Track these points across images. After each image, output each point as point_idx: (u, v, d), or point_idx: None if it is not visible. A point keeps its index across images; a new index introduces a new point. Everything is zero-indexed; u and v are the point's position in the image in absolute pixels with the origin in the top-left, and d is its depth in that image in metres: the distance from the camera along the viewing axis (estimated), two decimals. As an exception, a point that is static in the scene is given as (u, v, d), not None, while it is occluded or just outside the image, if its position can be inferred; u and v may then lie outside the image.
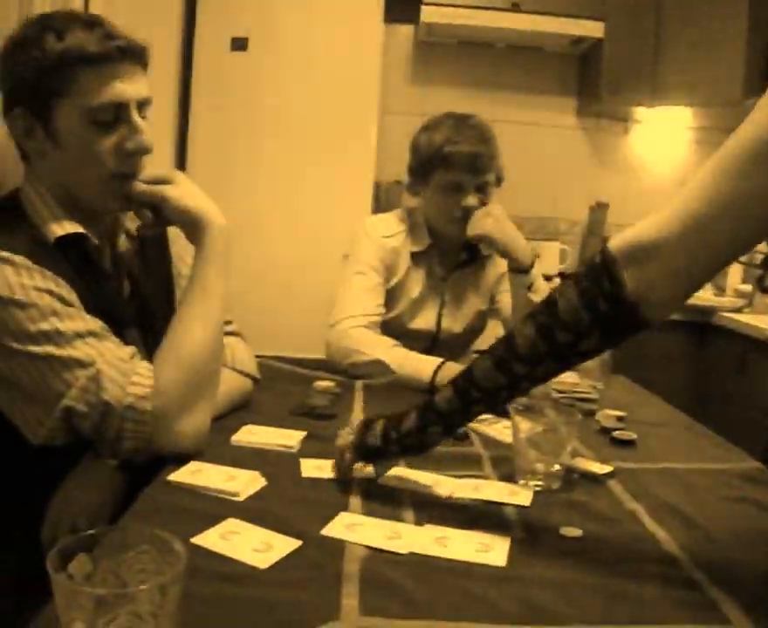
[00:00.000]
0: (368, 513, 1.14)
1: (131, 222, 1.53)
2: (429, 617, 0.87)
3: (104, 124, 1.33)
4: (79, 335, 1.26)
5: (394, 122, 3.48)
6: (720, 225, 0.97)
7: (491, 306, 2.32)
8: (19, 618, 0.82)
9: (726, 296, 3.52)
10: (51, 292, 1.26)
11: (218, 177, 3.25)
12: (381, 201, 3.57)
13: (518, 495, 1.25)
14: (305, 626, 0.82)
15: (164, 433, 1.28)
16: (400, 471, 1.32)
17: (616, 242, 1.05)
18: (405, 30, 3.93)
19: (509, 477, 1.32)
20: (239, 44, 3.24)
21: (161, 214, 1.43)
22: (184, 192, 1.43)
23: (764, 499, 1.30)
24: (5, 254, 1.25)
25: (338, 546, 1.03)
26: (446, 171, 2.08)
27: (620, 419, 1.68)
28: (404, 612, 0.87)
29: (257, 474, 1.25)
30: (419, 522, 1.12)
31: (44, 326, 1.24)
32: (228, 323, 1.67)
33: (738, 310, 3.29)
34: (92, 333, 1.28)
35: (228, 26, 3.24)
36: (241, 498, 1.17)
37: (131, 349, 1.32)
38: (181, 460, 1.29)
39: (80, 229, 1.38)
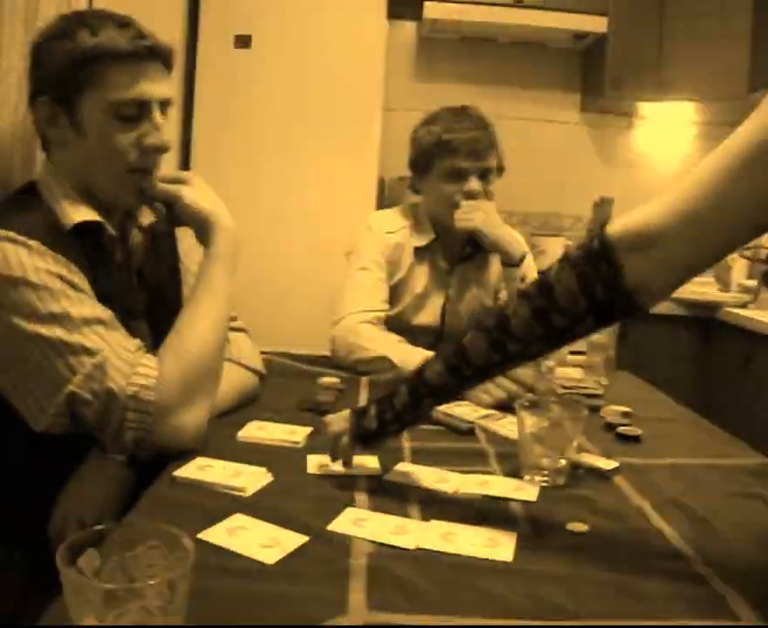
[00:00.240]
0: (375, 508, 1.15)
1: (143, 217, 1.55)
2: (436, 612, 0.87)
3: (127, 119, 1.37)
4: (88, 322, 1.27)
5: (398, 118, 3.47)
6: (718, 222, 0.98)
7: (496, 301, 2.32)
8: (28, 613, 0.82)
9: (731, 292, 3.51)
10: (62, 277, 1.28)
11: (222, 174, 3.25)
12: (385, 197, 3.57)
13: (524, 491, 1.25)
14: (312, 621, 0.82)
15: (165, 426, 1.29)
16: (406, 467, 1.32)
17: (616, 228, 1.05)
18: (408, 27, 3.92)
19: (514, 473, 1.32)
20: (243, 42, 3.23)
21: (173, 212, 1.47)
22: (198, 193, 1.47)
23: (770, 494, 1.30)
24: (21, 237, 1.27)
25: (344, 541, 1.03)
26: (447, 158, 2.09)
27: (625, 414, 1.69)
28: (411, 607, 0.87)
29: (263, 469, 1.25)
30: (425, 518, 1.12)
31: (55, 309, 1.25)
32: (233, 318, 1.68)
33: (743, 306, 3.29)
34: (100, 321, 1.29)
35: (231, 23, 3.23)
36: (247, 494, 1.17)
37: (137, 341, 1.33)
38: (183, 455, 1.29)
39: (98, 218, 1.40)
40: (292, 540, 1.02)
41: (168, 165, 1.52)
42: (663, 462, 1.45)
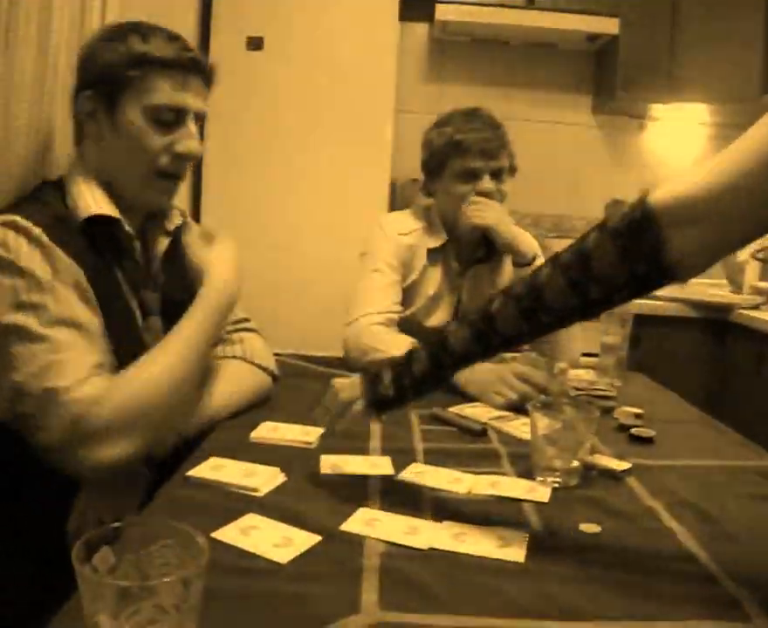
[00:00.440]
0: (387, 509, 1.15)
1: (170, 223, 1.59)
2: (448, 611, 0.87)
3: (163, 123, 1.43)
4: (64, 321, 1.28)
5: (410, 120, 3.47)
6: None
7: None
8: (43, 611, 0.82)
9: (743, 294, 3.50)
10: (56, 271, 1.29)
11: (233, 176, 3.27)
12: (397, 199, 3.57)
13: (537, 492, 1.25)
14: (324, 621, 0.83)
15: (86, 444, 1.24)
16: (419, 468, 1.32)
17: (659, 199, 0.99)
18: (420, 29, 3.93)
19: (527, 474, 1.32)
20: (255, 44, 3.24)
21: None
22: (199, 245, 1.53)
23: (783, 496, 1.29)
24: (26, 224, 1.29)
25: (357, 541, 1.04)
26: (459, 158, 2.09)
27: (638, 416, 1.68)
28: (423, 607, 0.88)
29: (276, 469, 1.26)
30: (438, 518, 1.12)
31: (36, 299, 1.26)
32: (245, 320, 1.70)
33: (756, 308, 3.27)
34: (76, 325, 1.29)
35: (243, 25, 3.24)
36: (260, 494, 1.18)
37: (101, 359, 1.31)
38: (197, 455, 1.31)
39: (114, 214, 1.43)
40: (305, 540, 1.02)
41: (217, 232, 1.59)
42: (676, 464, 1.44)
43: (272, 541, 1.01)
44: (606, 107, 3.94)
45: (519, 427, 1.57)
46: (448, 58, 3.97)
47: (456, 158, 2.10)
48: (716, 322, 3.30)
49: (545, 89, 4.00)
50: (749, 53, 3.46)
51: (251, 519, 1.07)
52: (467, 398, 1.77)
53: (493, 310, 1.11)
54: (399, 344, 1.94)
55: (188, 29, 3.21)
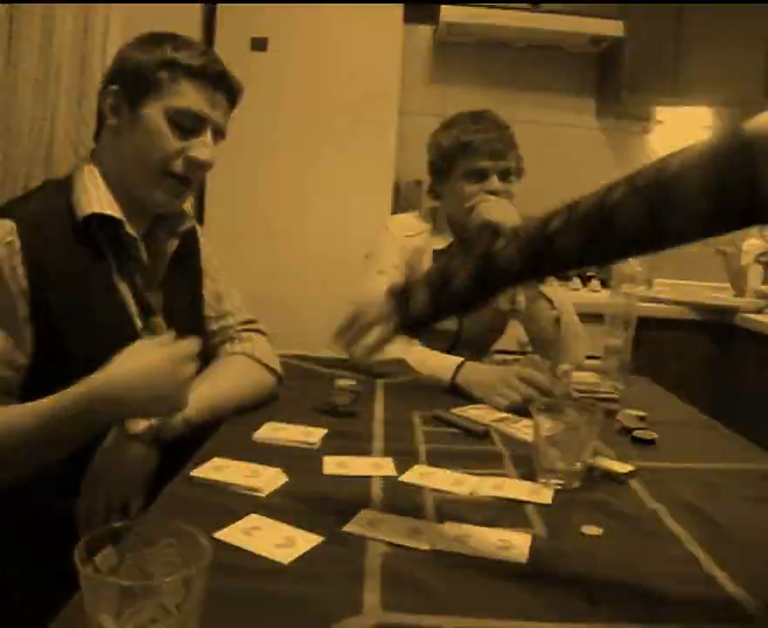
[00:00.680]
0: (390, 510, 1.15)
1: (178, 223, 1.59)
2: (450, 612, 0.87)
3: (182, 128, 1.45)
4: None
5: (414, 122, 3.48)
6: None
7: (513, 307, 2.31)
8: (45, 609, 0.82)
9: (747, 298, 3.50)
10: (13, 268, 1.31)
11: (237, 177, 3.27)
12: (401, 201, 3.57)
13: (539, 494, 1.25)
14: (326, 621, 0.83)
15: None
16: (421, 469, 1.32)
17: (760, 127, 0.91)
18: (424, 31, 3.93)
19: (530, 475, 1.32)
20: (259, 44, 3.25)
21: None
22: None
23: (785, 499, 1.29)
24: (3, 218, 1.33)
25: (359, 542, 1.03)
26: (468, 159, 2.10)
27: (641, 418, 1.68)
28: (425, 608, 0.88)
29: (279, 470, 1.26)
30: (440, 520, 1.12)
31: None
32: (251, 321, 1.73)
33: (759, 311, 3.27)
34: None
35: (248, 26, 3.25)
36: (263, 494, 1.18)
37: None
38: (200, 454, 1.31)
39: (116, 214, 1.44)
40: (308, 540, 1.02)
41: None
42: (678, 466, 1.44)
43: (275, 541, 1.01)
44: (611, 110, 3.94)
45: (522, 429, 1.57)
46: (452, 60, 3.97)
47: (464, 158, 2.10)
48: (719, 325, 3.30)
49: (549, 91, 4.00)
50: (753, 56, 3.46)
51: (254, 519, 1.07)
52: (470, 399, 1.77)
53: (551, 231, 1.03)
54: (403, 346, 1.95)
55: (192, 29, 3.21)
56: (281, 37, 3.25)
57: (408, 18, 3.38)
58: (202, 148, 1.47)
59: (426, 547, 1.03)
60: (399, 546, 1.03)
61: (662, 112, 3.90)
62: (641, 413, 1.70)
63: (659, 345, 3.15)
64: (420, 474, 1.30)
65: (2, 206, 1.41)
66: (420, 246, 2.18)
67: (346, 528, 1.07)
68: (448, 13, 3.51)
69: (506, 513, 1.18)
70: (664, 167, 0.97)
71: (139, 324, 1.47)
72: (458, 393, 1.81)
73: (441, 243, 2.19)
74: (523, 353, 2.01)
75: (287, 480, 1.24)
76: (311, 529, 1.05)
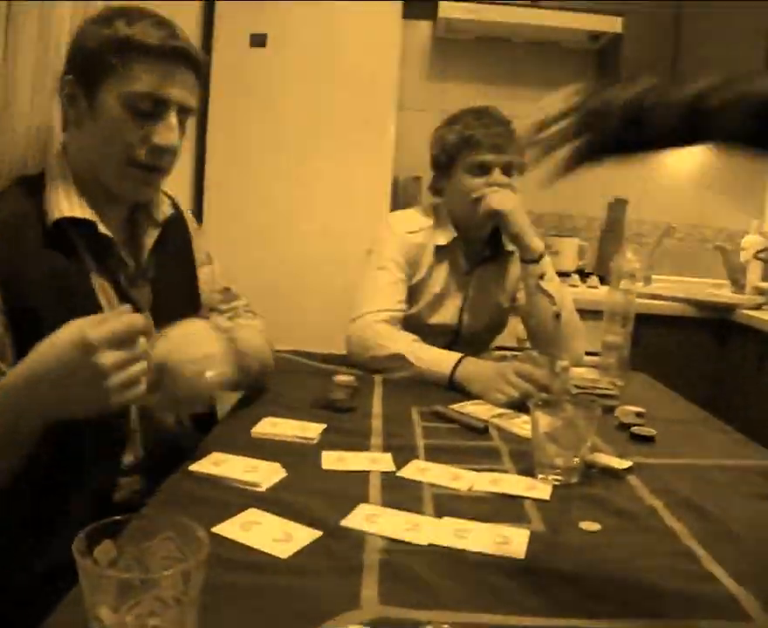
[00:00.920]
0: (388, 505, 1.15)
1: (159, 213, 1.53)
2: (448, 607, 0.87)
3: (140, 113, 1.35)
4: None
5: (412, 118, 3.48)
6: None
7: (513, 304, 2.32)
8: (44, 604, 0.82)
9: (745, 294, 3.50)
10: None
11: (236, 173, 3.27)
12: (399, 197, 3.57)
13: (537, 489, 1.25)
14: (324, 616, 0.83)
15: None
16: (420, 464, 1.33)
17: None
18: (423, 26, 3.93)
19: (528, 471, 1.32)
20: (258, 41, 3.24)
21: None
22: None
23: (783, 495, 1.29)
24: None
25: (357, 537, 1.04)
26: (471, 153, 2.10)
27: (639, 415, 1.68)
28: (423, 603, 0.88)
29: (277, 465, 1.26)
30: (438, 515, 1.13)
31: None
32: (244, 305, 1.80)
33: (758, 308, 3.28)
34: None
35: (247, 23, 3.24)
36: (262, 489, 1.18)
37: None
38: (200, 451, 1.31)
39: (87, 215, 1.37)
40: (306, 535, 1.02)
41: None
42: (677, 462, 1.45)
43: (273, 536, 1.01)
44: (609, 106, 3.93)
45: (521, 425, 1.57)
46: (450, 56, 3.97)
47: (467, 153, 2.10)
48: (718, 322, 3.30)
49: (548, 87, 3.88)
50: (752, 53, 3.45)
51: (252, 514, 1.07)
52: (468, 395, 1.77)
53: None
54: (402, 341, 1.95)
55: (191, 25, 3.21)
56: (280, 33, 3.24)
57: (407, 14, 3.38)
58: (166, 133, 1.37)
59: (424, 542, 1.03)
60: (397, 541, 1.03)
61: (661, 109, 3.89)
62: (640, 410, 1.70)
63: (658, 342, 3.15)
64: (418, 470, 1.30)
65: None
66: (422, 242, 2.18)
67: (345, 522, 1.07)
68: (446, 9, 3.51)
69: (504, 508, 1.18)
70: None
71: None
72: (457, 389, 1.81)
73: (443, 239, 2.19)
74: (521, 349, 2.01)
75: (286, 474, 1.24)
76: (309, 524, 1.05)
